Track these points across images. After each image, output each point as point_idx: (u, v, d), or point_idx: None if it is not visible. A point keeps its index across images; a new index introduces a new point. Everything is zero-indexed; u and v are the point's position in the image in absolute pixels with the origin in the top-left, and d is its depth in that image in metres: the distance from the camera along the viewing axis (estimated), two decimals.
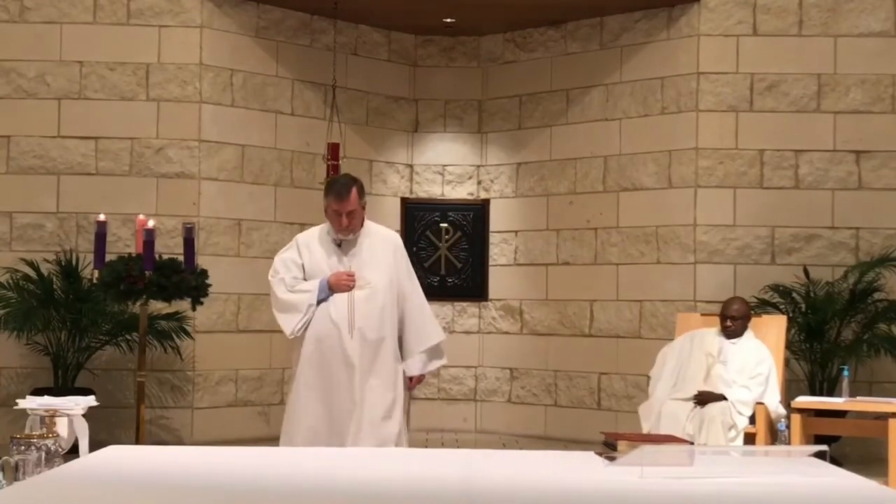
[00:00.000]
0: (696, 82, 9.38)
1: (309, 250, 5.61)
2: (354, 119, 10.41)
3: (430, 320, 5.77)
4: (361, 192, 5.54)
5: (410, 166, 10.91)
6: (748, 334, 7.64)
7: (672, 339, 8.25)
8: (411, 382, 5.68)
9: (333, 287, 5.52)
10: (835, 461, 3.16)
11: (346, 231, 5.52)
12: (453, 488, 2.65)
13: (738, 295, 8.61)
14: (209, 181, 9.45)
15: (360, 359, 5.45)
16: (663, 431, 7.03)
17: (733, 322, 7.59)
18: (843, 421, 7.88)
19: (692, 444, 3.15)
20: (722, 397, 7.33)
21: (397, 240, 5.77)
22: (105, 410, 6.84)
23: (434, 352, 5.72)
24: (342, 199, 5.48)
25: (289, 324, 5.55)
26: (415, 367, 5.65)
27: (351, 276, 5.51)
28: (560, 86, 10.32)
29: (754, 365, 7.46)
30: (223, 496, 2.54)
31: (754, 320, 7.95)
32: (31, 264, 8.96)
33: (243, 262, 9.64)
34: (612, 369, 9.83)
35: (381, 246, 5.63)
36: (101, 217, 7.48)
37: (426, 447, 7.58)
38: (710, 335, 7.68)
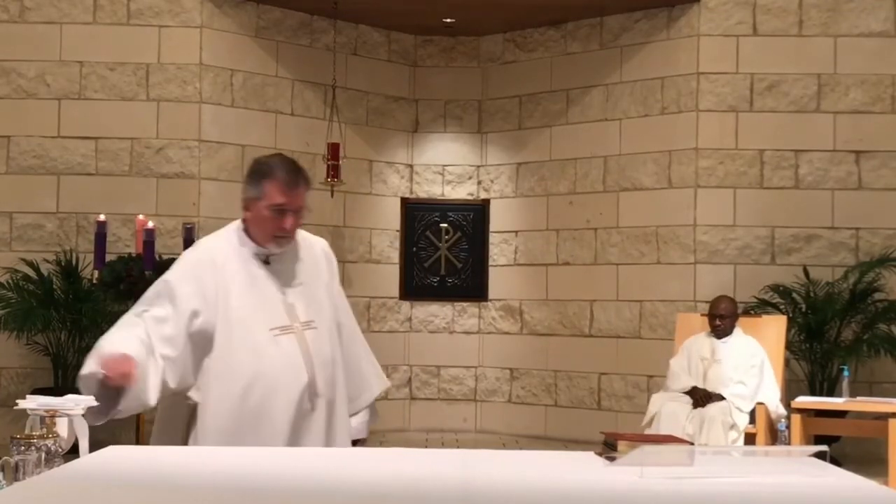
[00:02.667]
0: (696, 82, 9.38)
1: (214, 276, 3.57)
2: (354, 119, 10.41)
3: (372, 362, 3.91)
4: (309, 183, 3.70)
5: (410, 166, 10.91)
6: (737, 331, 7.74)
7: (672, 340, 8.28)
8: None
9: (106, 375, 3.31)
10: (835, 461, 3.16)
11: (286, 239, 3.63)
12: (452, 488, 2.65)
13: (740, 295, 8.65)
14: (209, 181, 9.46)
15: (322, 440, 3.60)
16: (663, 431, 7.05)
17: (722, 321, 7.71)
18: (843, 421, 7.89)
19: (692, 444, 3.15)
20: (720, 397, 7.36)
21: (327, 248, 3.85)
22: None
23: (373, 405, 3.91)
24: (295, 187, 3.57)
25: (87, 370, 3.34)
26: (361, 429, 3.84)
27: (124, 365, 3.31)
28: (560, 86, 10.32)
29: (748, 359, 7.53)
30: (223, 496, 2.54)
31: (755, 320, 8.00)
32: (31, 264, 8.96)
33: None
34: (612, 369, 9.83)
35: (317, 260, 3.77)
36: (101, 217, 7.50)
37: (426, 447, 7.58)
38: (701, 339, 7.79)
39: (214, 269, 3.58)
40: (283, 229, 3.57)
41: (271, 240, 3.60)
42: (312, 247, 3.78)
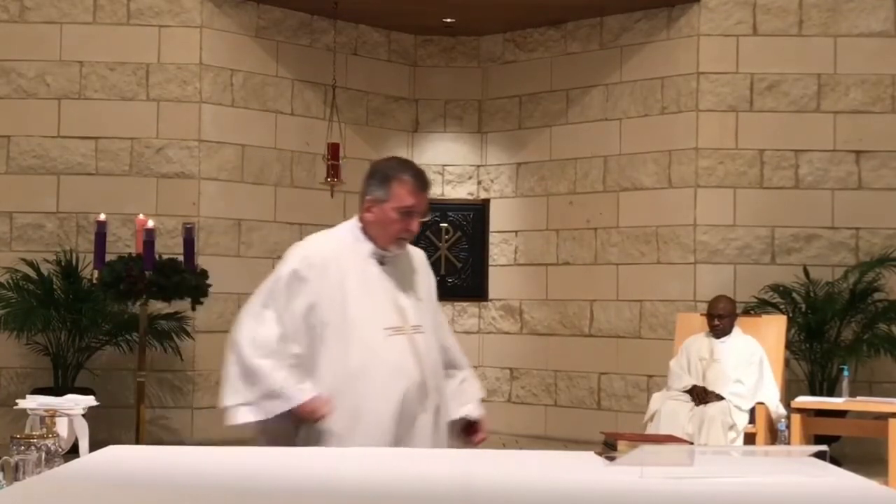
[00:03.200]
0: (696, 82, 9.37)
1: (329, 272, 3.57)
2: (354, 119, 10.41)
3: (468, 365, 3.98)
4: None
5: None
6: (736, 331, 7.74)
7: (672, 340, 8.27)
8: (472, 431, 3.74)
9: (300, 414, 3.52)
10: (835, 461, 3.16)
11: (407, 241, 3.72)
12: (452, 488, 2.65)
13: (740, 295, 8.65)
14: (209, 181, 9.45)
15: (429, 443, 3.59)
16: (663, 430, 7.05)
17: (720, 320, 7.70)
18: (843, 421, 7.89)
19: (692, 444, 3.15)
20: (719, 397, 7.37)
21: (425, 259, 3.96)
22: (105, 410, 6.84)
23: None
24: (423, 190, 3.64)
25: (235, 397, 3.59)
26: (477, 409, 3.82)
27: (325, 406, 3.49)
28: (560, 86, 10.32)
29: (747, 358, 7.53)
30: (223, 496, 2.54)
31: (755, 320, 7.99)
32: (31, 264, 8.96)
33: (243, 262, 9.63)
34: (612, 369, 9.83)
35: (420, 269, 3.85)
36: (101, 217, 7.49)
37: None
38: (700, 339, 7.78)
39: (325, 267, 3.58)
40: (409, 231, 3.64)
41: (394, 241, 3.65)
42: (414, 256, 3.83)
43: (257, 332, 3.58)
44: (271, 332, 3.55)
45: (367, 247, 3.65)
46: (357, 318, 3.53)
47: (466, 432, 3.75)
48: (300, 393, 3.49)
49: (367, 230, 3.66)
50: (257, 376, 3.51)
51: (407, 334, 3.59)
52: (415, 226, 3.64)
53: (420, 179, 3.63)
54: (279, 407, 3.50)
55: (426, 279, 3.82)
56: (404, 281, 3.69)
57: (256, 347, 3.54)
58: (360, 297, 3.56)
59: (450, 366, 3.80)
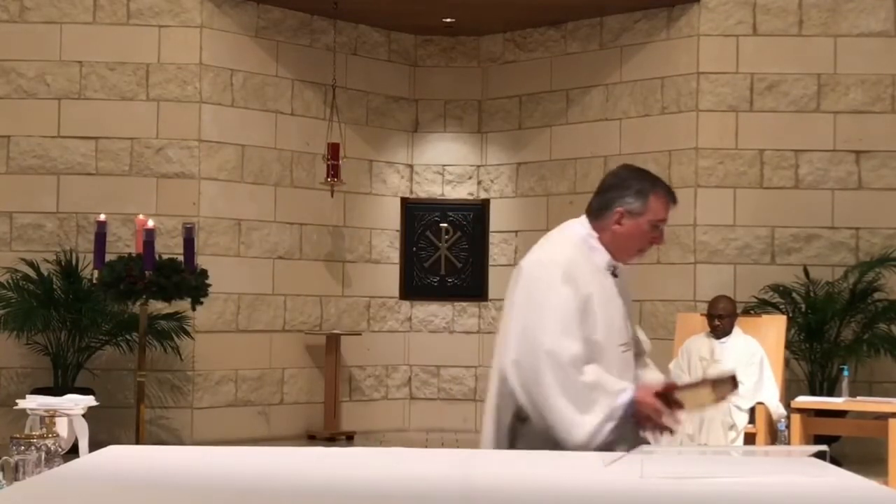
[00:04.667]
0: (696, 82, 9.38)
1: (581, 289, 3.40)
2: (354, 119, 10.41)
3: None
4: None
5: (410, 166, 10.91)
6: (736, 331, 7.73)
7: (672, 340, 8.26)
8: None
9: (637, 411, 3.31)
10: (835, 461, 3.16)
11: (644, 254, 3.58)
12: (453, 488, 2.65)
13: (740, 295, 8.64)
14: (209, 181, 9.46)
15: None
16: None
17: (721, 320, 7.69)
18: (843, 421, 7.89)
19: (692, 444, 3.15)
20: None
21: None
22: (105, 410, 6.85)
23: None
24: (674, 202, 3.53)
25: (586, 425, 3.27)
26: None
27: (663, 406, 3.30)
28: (560, 86, 10.32)
29: (747, 358, 7.53)
30: (223, 496, 2.54)
31: (755, 320, 7.99)
32: (31, 264, 8.96)
33: (243, 262, 9.63)
34: None
35: (628, 275, 3.69)
36: (101, 217, 7.49)
37: (426, 447, 7.58)
38: (700, 339, 7.77)
39: (573, 284, 3.37)
40: (656, 244, 3.54)
41: (636, 254, 3.54)
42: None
43: (572, 350, 3.32)
44: (581, 350, 3.33)
45: (605, 259, 3.50)
46: (603, 337, 3.39)
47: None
48: (620, 389, 3.32)
49: (603, 240, 3.50)
50: (596, 391, 3.30)
51: (632, 349, 3.53)
52: (662, 239, 3.54)
53: (672, 193, 3.52)
54: (617, 412, 3.28)
55: (631, 280, 3.70)
56: (627, 291, 3.59)
57: (581, 369, 3.32)
58: (603, 314, 3.40)
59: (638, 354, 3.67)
